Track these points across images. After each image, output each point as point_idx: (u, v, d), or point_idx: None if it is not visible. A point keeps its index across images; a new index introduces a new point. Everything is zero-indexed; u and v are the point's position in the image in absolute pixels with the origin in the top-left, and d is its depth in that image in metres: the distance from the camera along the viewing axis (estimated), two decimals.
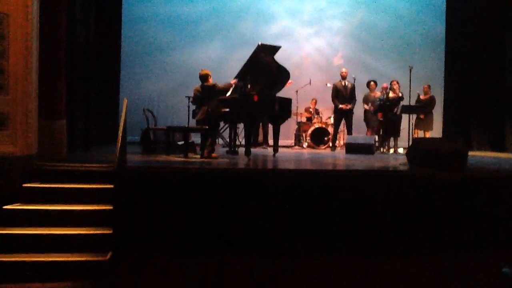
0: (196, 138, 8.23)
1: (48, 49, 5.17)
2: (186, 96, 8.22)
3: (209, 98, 6.82)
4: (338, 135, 10.18)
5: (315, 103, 11.16)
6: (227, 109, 7.12)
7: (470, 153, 6.27)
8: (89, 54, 8.25)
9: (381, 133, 9.59)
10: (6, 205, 4.27)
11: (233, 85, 7.26)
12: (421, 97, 9.72)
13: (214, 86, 6.86)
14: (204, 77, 6.87)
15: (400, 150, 9.43)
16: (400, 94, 9.27)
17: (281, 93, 7.82)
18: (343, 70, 9.73)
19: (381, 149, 9.50)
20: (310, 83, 10.88)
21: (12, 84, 4.47)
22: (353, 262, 4.56)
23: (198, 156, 6.84)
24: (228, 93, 7.30)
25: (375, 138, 9.25)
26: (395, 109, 9.20)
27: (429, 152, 5.43)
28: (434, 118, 9.83)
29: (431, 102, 9.69)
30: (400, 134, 9.48)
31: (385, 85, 9.67)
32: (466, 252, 4.85)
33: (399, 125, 9.39)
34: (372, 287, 4.02)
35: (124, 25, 10.56)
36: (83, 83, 7.89)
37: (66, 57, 5.62)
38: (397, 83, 9.42)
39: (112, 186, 4.30)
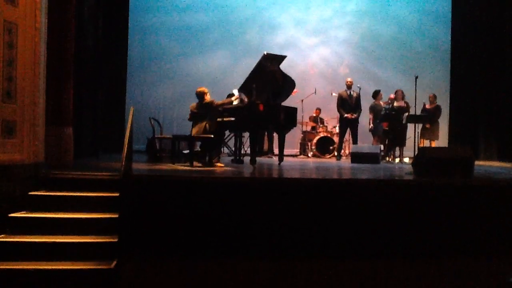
0: None
1: (56, 57, 5.22)
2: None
3: (207, 115, 6.78)
4: (343, 144, 10.15)
5: (319, 112, 11.18)
6: (232, 118, 7.14)
7: (477, 162, 6.23)
8: (97, 62, 8.32)
9: (386, 142, 9.57)
10: (13, 213, 4.28)
11: (233, 101, 7.21)
12: (427, 106, 9.68)
13: (211, 103, 6.78)
14: (200, 95, 6.79)
15: (406, 160, 9.39)
16: (404, 104, 9.27)
17: (286, 102, 7.83)
18: (349, 79, 9.73)
19: (387, 158, 9.47)
20: (315, 92, 10.90)
21: (20, 92, 4.49)
22: (356, 266, 4.54)
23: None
24: (237, 101, 7.31)
25: (380, 147, 9.22)
26: (401, 118, 9.18)
27: (435, 161, 5.41)
28: (440, 127, 9.79)
29: (436, 111, 9.66)
30: (406, 143, 9.46)
31: (392, 96, 9.66)
32: (471, 258, 4.83)
33: (405, 135, 9.37)
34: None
35: (131, 34, 10.66)
36: (90, 91, 7.96)
37: (74, 65, 5.66)
38: (402, 92, 9.43)
39: (118, 194, 4.30)
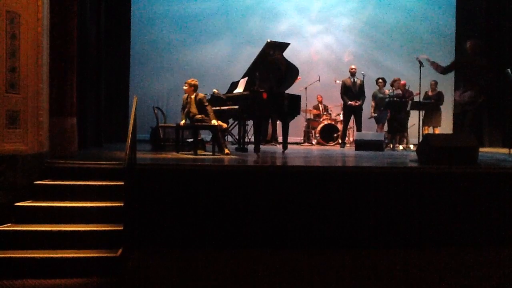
0: (205, 135, 8.26)
1: (59, 47, 5.22)
2: None
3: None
4: (347, 132, 10.14)
5: (321, 98, 11.14)
6: (236, 106, 7.14)
7: (481, 149, 6.20)
8: (99, 52, 8.32)
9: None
10: (18, 202, 4.32)
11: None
12: (429, 93, 9.67)
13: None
14: (197, 87, 6.85)
15: (411, 146, 9.39)
16: (401, 92, 9.28)
17: (290, 90, 7.81)
18: (352, 66, 9.69)
19: (391, 145, 9.47)
20: (319, 80, 10.88)
21: (23, 82, 4.50)
22: (359, 255, 4.56)
23: (207, 153, 6.86)
24: (240, 90, 7.31)
25: (384, 135, 9.21)
26: (406, 105, 9.18)
27: (439, 148, 5.39)
28: (444, 114, 9.76)
29: (439, 97, 9.64)
30: (408, 130, 9.44)
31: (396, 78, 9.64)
32: (475, 246, 4.84)
33: (406, 122, 9.37)
34: (379, 277, 4.01)
35: (133, 24, 10.64)
36: (93, 80, 7.97)
37: (77, 55, 5.66)
38: (399, 80, 9.44)
39: (122, 183, 4.32)
